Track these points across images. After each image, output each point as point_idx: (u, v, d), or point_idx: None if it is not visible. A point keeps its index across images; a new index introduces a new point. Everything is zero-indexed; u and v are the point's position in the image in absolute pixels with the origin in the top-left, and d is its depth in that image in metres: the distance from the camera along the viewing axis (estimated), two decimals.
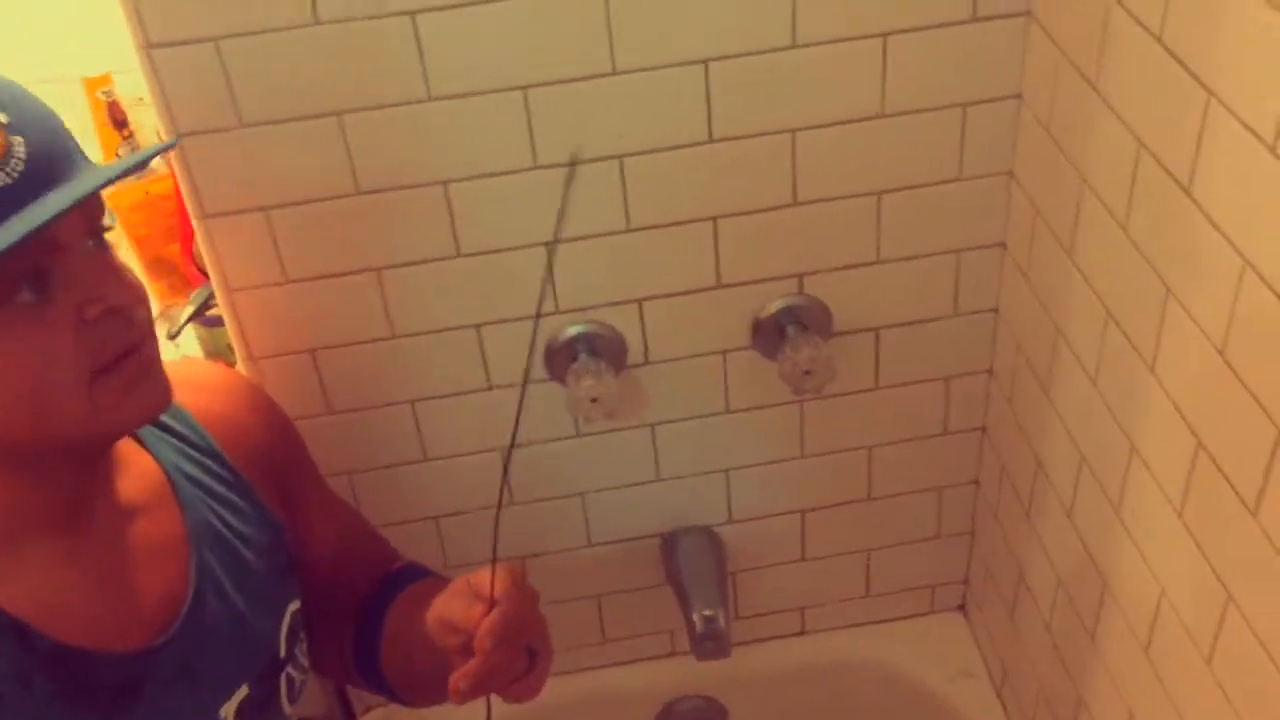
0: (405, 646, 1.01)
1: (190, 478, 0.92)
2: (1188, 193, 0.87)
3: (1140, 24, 0.90)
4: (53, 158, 0.74)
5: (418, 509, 1.36)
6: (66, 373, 0.74)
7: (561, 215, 0.70)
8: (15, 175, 0.71)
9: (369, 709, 1.50)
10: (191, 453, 0.93)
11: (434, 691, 1.03)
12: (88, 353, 0.75)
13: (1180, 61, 0.86)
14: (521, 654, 0.87)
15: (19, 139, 0.72)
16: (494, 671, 0.84)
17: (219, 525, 0.92)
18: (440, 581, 1.03)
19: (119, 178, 0.75)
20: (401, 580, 1.06)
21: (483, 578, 0.85)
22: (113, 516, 0.85)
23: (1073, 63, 1.03)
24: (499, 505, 0.85)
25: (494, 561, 0.85)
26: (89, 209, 0.75)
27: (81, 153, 0.77)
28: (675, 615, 1.39)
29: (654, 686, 1.54)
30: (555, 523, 1.40)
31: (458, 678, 0.84)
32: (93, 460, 0.84)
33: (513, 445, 0.91)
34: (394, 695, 1.06)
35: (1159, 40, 0.88)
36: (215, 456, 0.95)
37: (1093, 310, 1.06)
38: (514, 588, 0.85)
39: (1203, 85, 0.83)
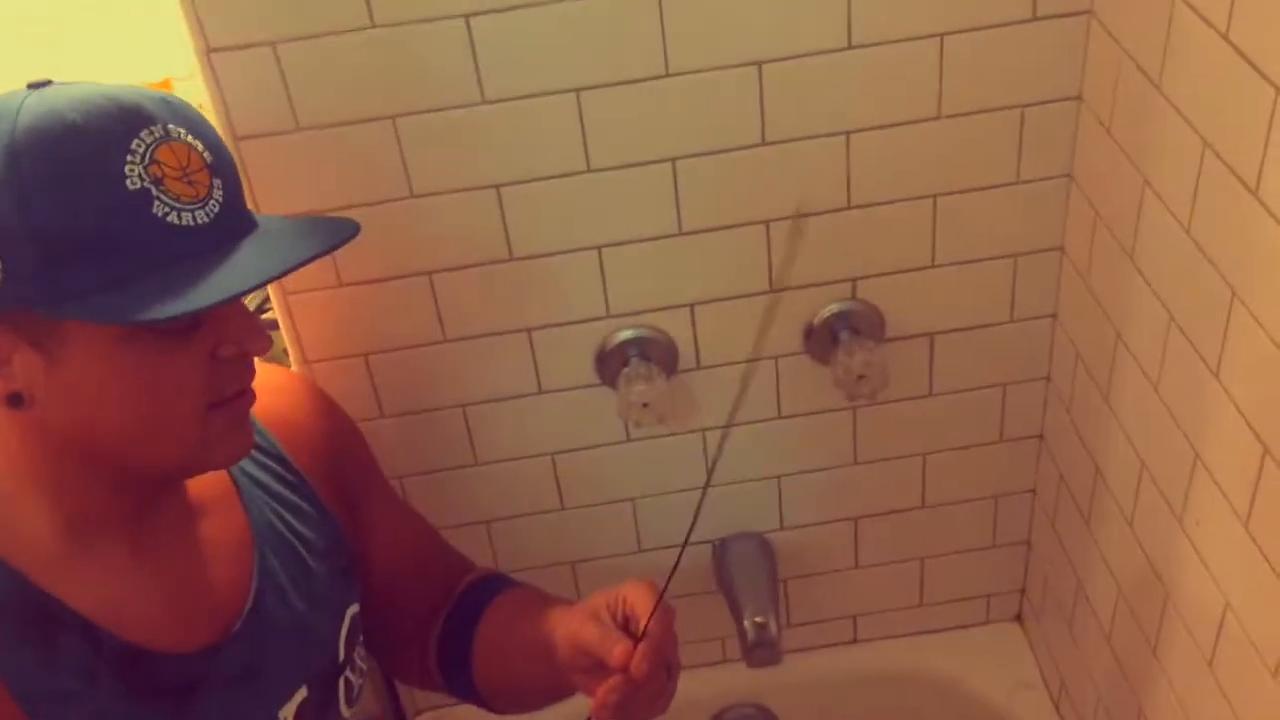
0: (501, 658, 1.01)
1: (254, 479, 0.93)
2: (1254, 193, 0.85)
3: (1206, 21, 0.89)
4: (237, 206, 0.77)
5: (469, 513, 1.36)
6: (189, 401, 0.77)
7: (784, 272, 0.71)
8: (211, 217, 0.74)
9: (420, 711, 1.51)
10: (257, 455, 0.94)
11: (530, 699, 1.04)
12: (211, 386, 0.77)
13: (1247, 59, 0.84)
14: (663, 672, 0.88)
15: (219, 181, 0.75)
16: (641, 690, 0.85)
17: (281, 527, 0.93)
18: (537, 594, 1.05)
19: (309, 261, 0.76)
20: (488, 590, 1.06)
21: (629, 604, 0.87)
22: (179, 519, 0.87)
23: (1135, 62, 1.01)
24: (683, 544, 0.87)
25: (659, 599, 0.86)
26: None
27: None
28: (726, 622, 1.38)
29: (705, 694, 1.53)
30: (605, 528, 1.39)
31: (606, 691, 0.84)
32: (170, 485, 0.85)
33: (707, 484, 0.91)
34: (484, 703, 1.06)
35: (1225, 37, 0.86)
36: (279, 459, 0.95)
37: (1155, 315, 1.04)
38: (662, 613, 0.86)
39: (1270, 82, 0.81)
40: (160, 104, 0.74)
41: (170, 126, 0.73)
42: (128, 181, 0.70)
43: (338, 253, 1.13)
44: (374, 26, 1.04)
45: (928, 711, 1.53)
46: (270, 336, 0.80)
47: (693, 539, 1.39)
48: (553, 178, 1.14)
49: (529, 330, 1.23)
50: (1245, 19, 0.84)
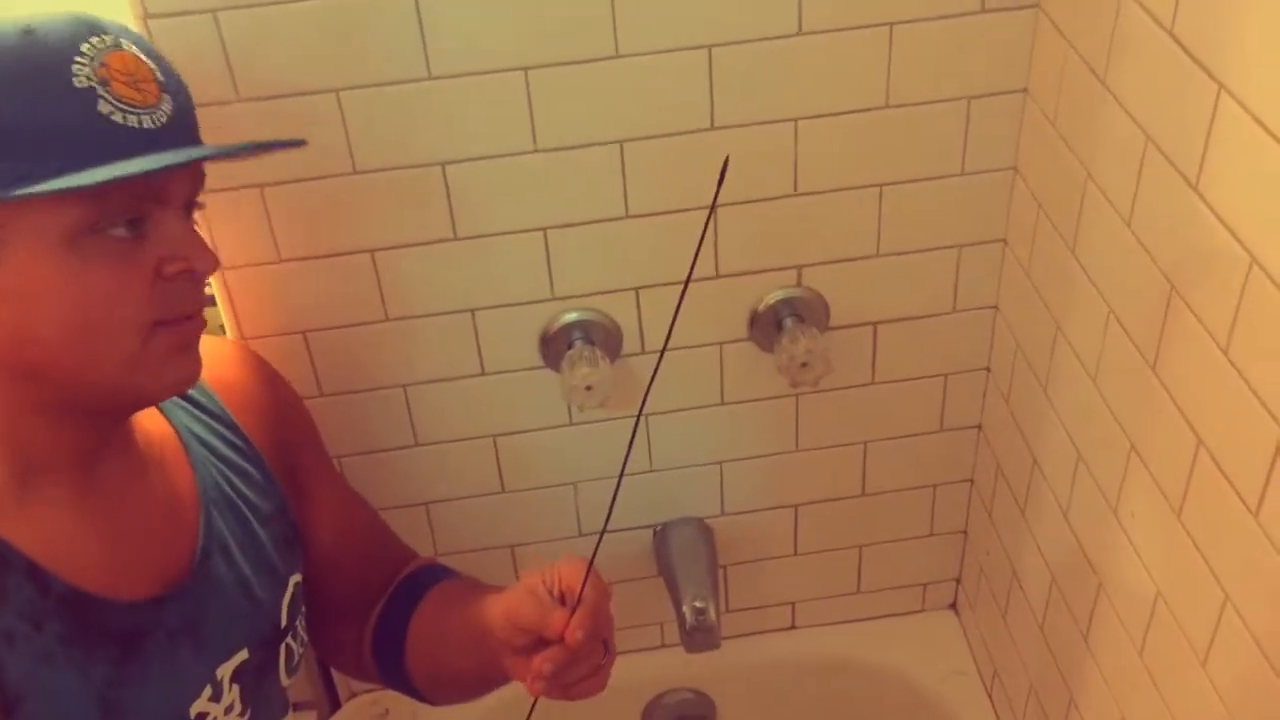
0: (435, 646, 1.01)
1: (202, 441, 0.93)
2: (1194, 188, 0.86)
3: (1151, 16, 0.89)
4: (185, 125, 0.79)
5: (408, 494, 1.35)
6: (132, 314, 0.76)
7: (709, 217, 0.72)
8: (159, 124, 0.75)
9: (354, 695, 1.49)
10: (205, 418, 0.94)
11: (463, 689, 1.04)
12: (156, 302, 0.77)
13: (1191, 55, 0.85)
14: (600, 646, 0.88)
15: (168, 97, 0.77)
16: (577, 660, 0.85)
17: (228, 489, 0.93)
18: (473, 583, 1.05)
19: (243, 153, 0.81)
20: (425, 580, 1.06)
21: (564, 578, 0.87)
22: (125, 469, 0.86)
23: (1081, 56, 1.02)
24: (606, 522, 0.86)
25: (590, 563, 0.86)
26: (195, 182, 0.79)
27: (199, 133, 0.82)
28: (666, 607, 1.38)
29: (642, 678, 1.53)
30: (546, 511, 1.39)
31: (541, 660, 0.84)
32: (114, 418, 0.84)
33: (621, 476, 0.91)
34: (417, 693, 1.06)
35: (1170, 33, 0.87)
36: (228, 424, 0.95)
37: (1094, 307, 1.05)
38: (598, 586, 0.86)
39: (1213, 79, 0.82)
40: (118, 25, 0.77)
41: (122, 40, 0.76)
42: (75, 80, 0.72)
43: (278, 227, 1.14)
44: None
45: (863, 698, 1.54)
46: (218, 257, 0.80)
47: (634, 524, 1.41)
48: (499, 156, 1.12)
49: (473, 311, 1.22)
50: (1190, 15, 0.85)
